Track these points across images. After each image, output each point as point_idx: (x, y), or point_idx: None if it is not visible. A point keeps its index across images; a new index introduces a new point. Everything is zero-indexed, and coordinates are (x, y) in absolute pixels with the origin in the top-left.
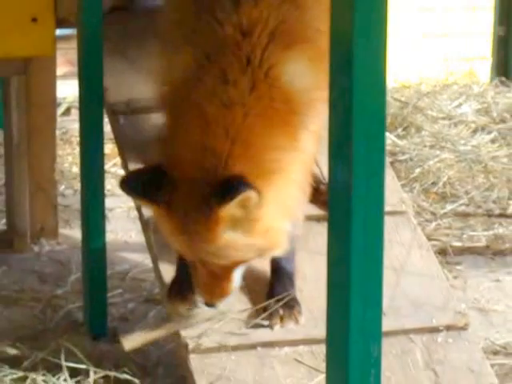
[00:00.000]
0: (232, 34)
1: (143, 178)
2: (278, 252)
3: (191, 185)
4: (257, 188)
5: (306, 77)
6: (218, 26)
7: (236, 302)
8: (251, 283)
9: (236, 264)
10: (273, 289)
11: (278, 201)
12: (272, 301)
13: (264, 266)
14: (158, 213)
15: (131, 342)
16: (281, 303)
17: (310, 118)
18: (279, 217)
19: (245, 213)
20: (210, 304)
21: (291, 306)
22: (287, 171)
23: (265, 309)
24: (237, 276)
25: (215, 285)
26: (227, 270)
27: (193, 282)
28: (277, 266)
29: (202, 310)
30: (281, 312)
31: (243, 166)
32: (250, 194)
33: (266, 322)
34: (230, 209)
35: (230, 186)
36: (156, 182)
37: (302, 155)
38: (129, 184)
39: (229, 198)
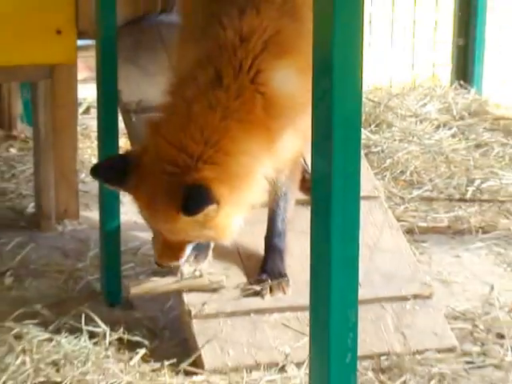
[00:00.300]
0: (232, 39)
1: (112, 165)
2: (225, 242)
3: (162, 176)
4: (218, 199)
5: (294, 84)
6: (221, 30)
7: (233, 276)
8: (246, 259)
9: (188, 242)
10: (265, 263)
11: (238, 202)
12: (264, 274)
13: (257, 245)
14: (131, 195)
15: (136, 289)
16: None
17: (297, 120)
18: (234, 215)
19: (204, 217)
20: (160, 264)
21: (280, 278)
22: (254, 174)
23: (257, 281)
24: (188, 248)
25: (167, 251)
26: (180, 243)
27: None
28: (270, 244)
29: (206, 280)
30: (271, 283)
31: (211, 170)
32: (213, 207)
33: (258, 288)
34: (191, 219)
35: (196, 200)
36: (124, 168)
37: (276, 157)
38: (97, 171)
39: (194, 212)
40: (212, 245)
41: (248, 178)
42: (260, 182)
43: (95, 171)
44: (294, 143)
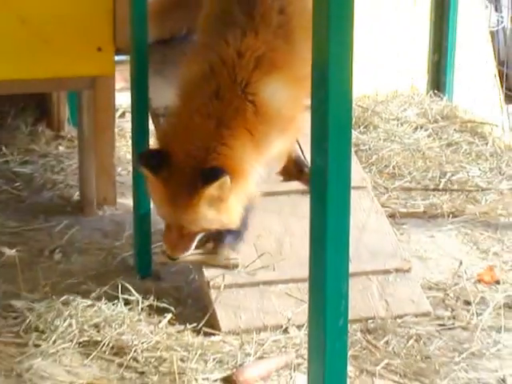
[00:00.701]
0: (232, 54)
1: (153, 155)
2: (232, 227)
3: (183, 169)
4: (230, 175)
5: (282, 95)
6: (225, 47)
7: (243, 255)
8: (255, 240)
9: (201, 231)
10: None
11: (240, 191)
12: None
13: (265, 228)
14: (155, 184)
15: (164, 258)
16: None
17: (285, 125)
18: (238, 202)
19: (220, 194)
20: (172, 257)
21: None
22: (249, 170)
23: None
24: (197, 239)
25: (180, 243)
26: (193, 234)
27: (163, 239)
28: None
29: (225, 256)
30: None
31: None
32: (226, 179)
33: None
34: (212, 189)
35: (213, 173)
36: (160, 160)
37: (264, 157)
38: (145, 159)
39: (212, 180)
40: (242, 240)
41: (245, 173)
42: (254, 176)
43: (141, 158)
44: (281, 144)
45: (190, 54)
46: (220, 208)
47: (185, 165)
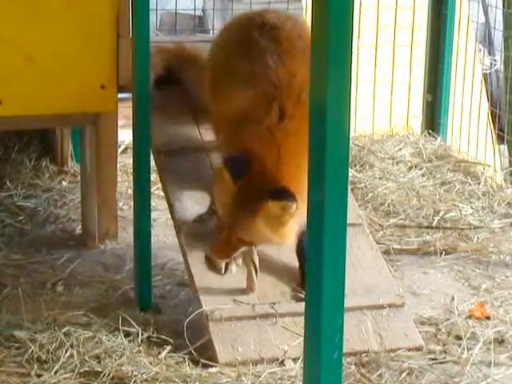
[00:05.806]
0: (283, 77)
1: (241, 160)
2: (285, 244)
3: (257, 180)
4: (298, 204)
5: None
6: (272, 74)
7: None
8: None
9: (249, 244)
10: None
11: (302, 212)
12: None
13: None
14: (230, 188)
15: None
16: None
17: None
18: (296, 225)
19: (281, 215)
20: (211, 258)
21: None
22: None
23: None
24: (240, 250)
25: (224, 248)
26: (239, 244)
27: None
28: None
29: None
30: None
31: (289, 184)
32: (293, 206)
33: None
34: (274, 206)
35: (282, 193)
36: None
37: None
38: (230, 163)
39: (279, 199)
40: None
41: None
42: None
43: (227, 162)
44: None
45: (215, 93)
46: (277, 230)
47: (259, 176)
